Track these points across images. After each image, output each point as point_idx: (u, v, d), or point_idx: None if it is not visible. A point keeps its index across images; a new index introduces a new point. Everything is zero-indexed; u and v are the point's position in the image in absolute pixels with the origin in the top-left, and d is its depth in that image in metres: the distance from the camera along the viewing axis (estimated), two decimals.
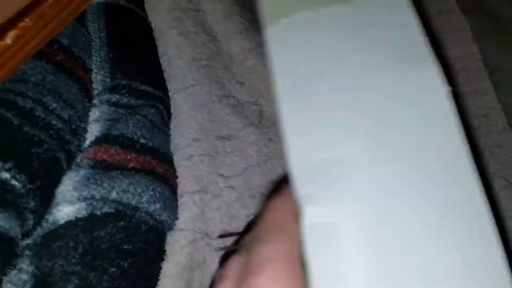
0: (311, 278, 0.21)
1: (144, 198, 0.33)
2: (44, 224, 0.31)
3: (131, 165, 0.34)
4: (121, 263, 0.31)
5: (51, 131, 0.32)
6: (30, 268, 0.30)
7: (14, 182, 0.29)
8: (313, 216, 0.22)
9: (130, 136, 0.35)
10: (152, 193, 0.34)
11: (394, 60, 0.25)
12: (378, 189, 0.22)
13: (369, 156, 0.23)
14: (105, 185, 0.32)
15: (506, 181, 0.38)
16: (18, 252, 0.29)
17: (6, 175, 0.28)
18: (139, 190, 0.33)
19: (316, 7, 0.28)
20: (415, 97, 0.24)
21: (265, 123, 0.43)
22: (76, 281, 0.30)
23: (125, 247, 0.32)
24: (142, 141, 0.35)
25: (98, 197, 0.31)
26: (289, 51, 0.27)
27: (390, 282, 0.21)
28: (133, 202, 0.32)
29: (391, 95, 0.24)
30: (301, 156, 0.23)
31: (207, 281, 0.36)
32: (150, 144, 0.36)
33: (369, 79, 0.25)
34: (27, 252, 0.30)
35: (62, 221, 0.31)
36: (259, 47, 0.47)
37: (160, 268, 0.34)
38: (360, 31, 0.27)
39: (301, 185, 0.23)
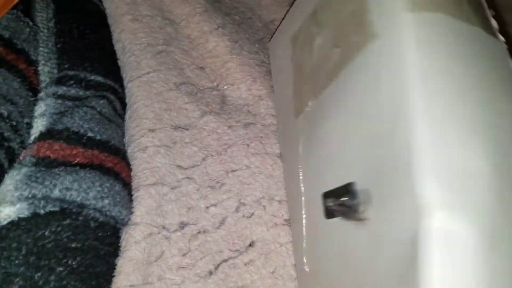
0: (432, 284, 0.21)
1: (91, 195, 0.32)
2: None
3: (76, 160, 0.33)
4: (69, 262, 0.30)
5: None
6: None
7: None
8: (442, 222, 0.22)
9: (76, 130, 0.33)
10: (99, 188, 0.32)
11: None
12: (500, 204, 0.23)
13: (494, 172, 0.23)
14: (47, 183, 0.31)
15: None
16: None
17: None
18: (84, 186, 0.32)
19: (456, 16, 0.28)
20: None
21: (227, 109, 0.41)
22: (21, 282, 0.29)
23: (73, 245, 0.31)
24: (90, 134, 0.34)
25: (39, 196, 0.30)
26: (432, 53, 0.26)
27: None
28: (79, 199, 0.31)
29: None
30: (436, 161, 0.23)
31: (168, 275, 0.35)
32: (98, 137, 0.34)
33: (496, 106, 0.26)
34: None
35: (3, 222, 0.30)
36: (221, 28, 0.44)
37: (114, 264, 0.33)
38: (490, 64, 0.28)
39: (433, 189, 0.22)
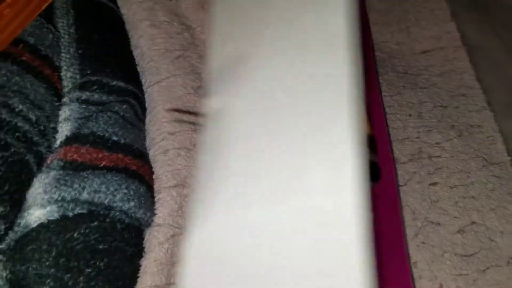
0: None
1: (118, 197, 0.33)
2: (16, 229, 0.30)
3: (103, 163, 0.33)
4: (97, 263, 0.31)
5: (18, 134, 0.31)
6: (5, 273, 0.30)
7: None
8: (212, 104, 0.24)
9: (101, 134, 0.34)
10: (125, 191, 0.33)
11: None
12: (265, 85, 0.23)
13: (267, 56, 0.24)
14: (76, 186, 0.31)
15: (485, 160, 0.38)
16: None
17: None
18: (111, 189, 0.32)
19: None
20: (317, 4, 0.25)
21: None
22: (51, 284, 0.30)
23: (101, 247, 0.32)
24: (114, 138, 0.35)
25: (68, 198, 0.31)
26: None
27: (264, 162, 0.21)
28: (106, 202, 0.32)
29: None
30: (215, 57, 0.25)
31: None
32: (122, 141, 0.35)
33: None
34: (0, 257, 0.30)
35: (34, 225, 0.30)
36: None
37: (139, 265, 0.34)
38: None
39: (210, 81, 0.24)
